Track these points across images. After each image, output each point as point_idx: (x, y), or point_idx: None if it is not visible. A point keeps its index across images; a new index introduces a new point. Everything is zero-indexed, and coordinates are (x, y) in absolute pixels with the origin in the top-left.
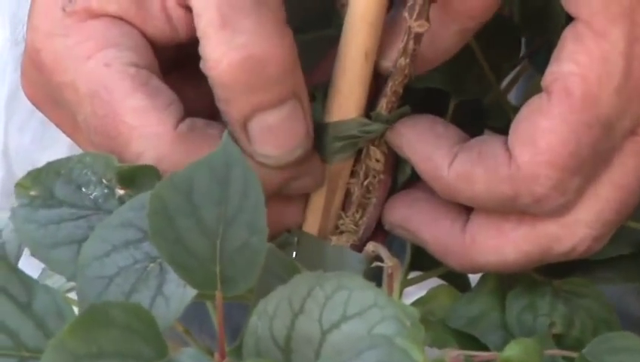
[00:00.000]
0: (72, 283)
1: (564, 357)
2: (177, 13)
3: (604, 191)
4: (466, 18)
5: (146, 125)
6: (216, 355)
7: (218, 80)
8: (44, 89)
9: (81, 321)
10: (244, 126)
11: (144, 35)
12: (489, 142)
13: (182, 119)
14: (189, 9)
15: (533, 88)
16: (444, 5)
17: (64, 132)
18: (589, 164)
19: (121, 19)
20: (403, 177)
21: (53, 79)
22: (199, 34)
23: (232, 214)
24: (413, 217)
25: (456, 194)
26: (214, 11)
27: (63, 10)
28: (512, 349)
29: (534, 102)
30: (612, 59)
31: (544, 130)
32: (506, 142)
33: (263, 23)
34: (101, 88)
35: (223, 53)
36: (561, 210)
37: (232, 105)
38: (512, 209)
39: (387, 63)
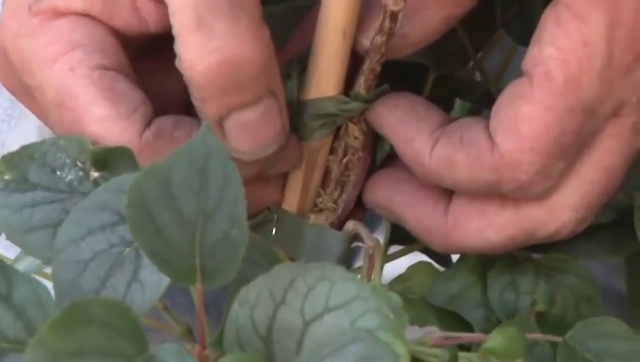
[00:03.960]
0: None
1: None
2: (147, 6)
3: (587, 174)
4: (453, 5)
5: (110, 135)
6: (197, 347)
7: (193, 80)
8: (18, 80)
9: (61, 318)
10: (220, 123)
11: (112, 29)
12: (471, 126)
13: (149, 123)
14: (159, 2)
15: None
16: None
17: (42, 121)
18: (572, 148)
19: (87, 15)
20: (382, 155)
21: (22, 79)
22: (174, 33)
23: (211, 206)
24: (395, 198)
25: (437, 180)
26: (190, 12)
27: (29, 9)
28: (496, 339)
29: (515, 86)
30: (593, 43)
31: (526, 116)
32: (487, 127)
33: (239, 24)
34: (66, 95)
35: (198, 56)
36: (544, 194)
37: (207, 105)
38: (495, 193)
39: (365, 42)
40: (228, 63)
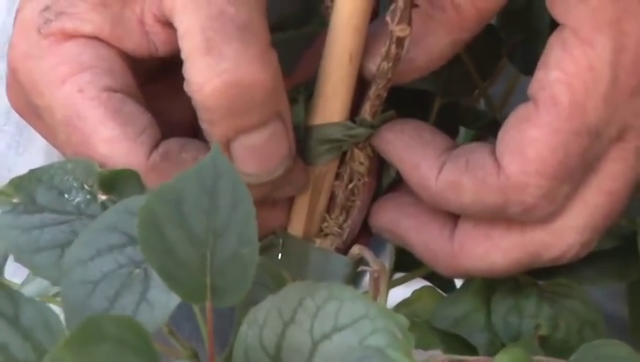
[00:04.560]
0: (56, 287)
1: None
2: (155, 29)
3: (592, 198)
4: (460, 30)
5: (118, 155)
6: None
7: (201, 103)
8: (28, 102)
9: (75, 336)
10: (227, 146)
11: (121, 52)
12: (476, 151)
13: (156, 145)
14: (167, 24)
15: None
16: (439, 17)
17: (49, 142)
18: (577, 171)
19: (96, 38)
20: (387, 180)
21: (31, 100)
22: (183, 55)
23: (221, 225)
24: (401, 222)
25: (444, 204)
26: (199, 35)
27: (39, 31)
28: (502, 360)
29: (521, 110)
30: (598, 67)
31: (532, 139)
32: (493, 151)
33: (247, 48)
34: (74, 116)
35: (206, 78)
36: (549, 217)
37: (215, 127)
38: (501, 217)
39: (372, 66)
40: (236, 85)
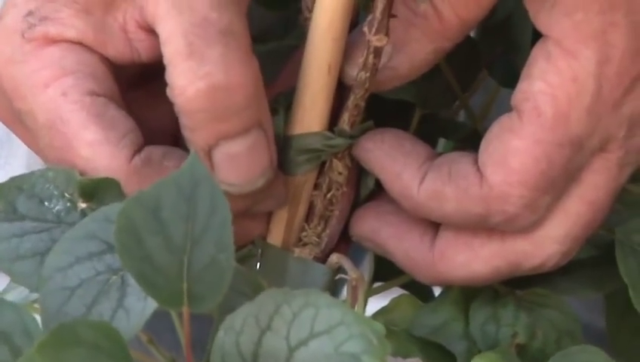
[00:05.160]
0: (37, 295)
1: None
2: (138, 35)
3: (573, 208)
4: (442, 39)
5: (99, 159)
6: None
7: (183, 107)
8: (10, 108)
9: (49, 339)
10: (208, 154)
11: (104, 58)
12: (459, 160)
13: (139, 150)
14: (150, 31)
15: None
16: (422, 25)
17: (31, 148)
18: (559, 182)
19: (80, 43)
20: (366, 190)
21: (14, 105)
22: (165, 61)
23: (199, 231)
24: (381, 230)
25: (426, 213)
26: (181, 40)
27: (22, 36)
28: None
29: (505, 121)
30: (582, 79)
31: (516, 150)
32: (476, 161)
33: (229, 53)
34: (57, 119)
35: (189, 82)
36: (530, 227)
37: (196, 133)
38: (483, 226)
39: (352, 74)
40: (218, 88)
